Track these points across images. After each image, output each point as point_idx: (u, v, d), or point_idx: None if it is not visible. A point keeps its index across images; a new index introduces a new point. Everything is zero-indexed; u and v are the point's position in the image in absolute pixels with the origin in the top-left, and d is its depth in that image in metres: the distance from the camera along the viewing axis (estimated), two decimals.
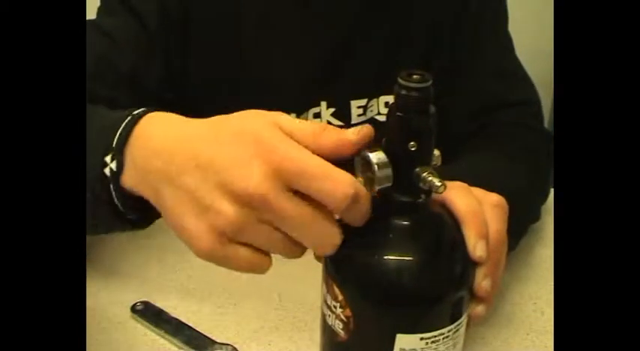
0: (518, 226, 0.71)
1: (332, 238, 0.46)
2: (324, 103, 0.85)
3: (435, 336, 0.48)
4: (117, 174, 0.50)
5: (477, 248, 0.50)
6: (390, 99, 0.85)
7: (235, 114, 0.48)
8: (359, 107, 0.86)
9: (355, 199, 0.44)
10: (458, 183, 0.54)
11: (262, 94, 0.83)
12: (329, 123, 0.85)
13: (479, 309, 0.54)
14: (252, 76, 0.83)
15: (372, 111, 0.86)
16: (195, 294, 0.70)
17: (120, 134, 0.50)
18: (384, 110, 0.86)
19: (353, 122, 0.86)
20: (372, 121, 0.86)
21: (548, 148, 0.85)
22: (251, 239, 0.46)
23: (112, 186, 0.51)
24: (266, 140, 0.44)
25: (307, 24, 0.83)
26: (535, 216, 0.77)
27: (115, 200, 0.51)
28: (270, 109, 0.83)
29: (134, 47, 0.77)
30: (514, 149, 0.81)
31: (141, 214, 0.53)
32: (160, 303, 0.69)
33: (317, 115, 0.85)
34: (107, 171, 0.50)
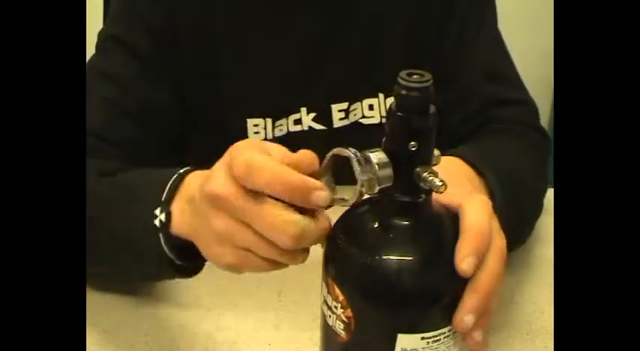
0: (524, 220, 0.72)
1: (287, 226, 0.49)
2: (304, 109, 0.85)
3: (436, 335, 0.48)
4: (166, 223, 0.56)
5: (464, 261, 0.47)
6: (374, 102, 0.85)
7: None
8: (340, 111, 0.85)
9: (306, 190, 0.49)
10: (483, 198, 0.52)
11: (241, 103, 0.83)
12: (311, 129, 0.85)
13: (475, 335, 0.50)
14: (229, 85, 0.83)
15: (355, 114, 0.86)
16: (195, 294, 0.70)
17: (169, 189, 0.57)
18: (369, 113, 0.86)
19: (335, 126, 0.85)
20: (356, 124, 0.86)
21: (545, 145, 0.85)
22: (241, 241, 0.51)
23: (161, 235, 0.56)
24: (233, 153, 0.51)
25: (280, 30, 0.82)
26: (539, 211, 0.77)
27: (165, 248, 0.57)
28: (248, 116, 0.83)
29: (136, 83, 0.79)
30: (514, 141, 0.81)
31: (189, 261, 0.59)
32: (160, 303, 0.69)
33: (298, 122, 0.85)
34: (157, 222, 0.56)
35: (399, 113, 0.46)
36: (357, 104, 0.86)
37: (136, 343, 0.64)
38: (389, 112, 0.47)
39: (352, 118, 0.86)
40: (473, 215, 0.50)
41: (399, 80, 0.45)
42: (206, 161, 0.87)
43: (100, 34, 0.82)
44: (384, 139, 0.47)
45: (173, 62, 0.81)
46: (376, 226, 0.49)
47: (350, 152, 0.48)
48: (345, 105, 0.85)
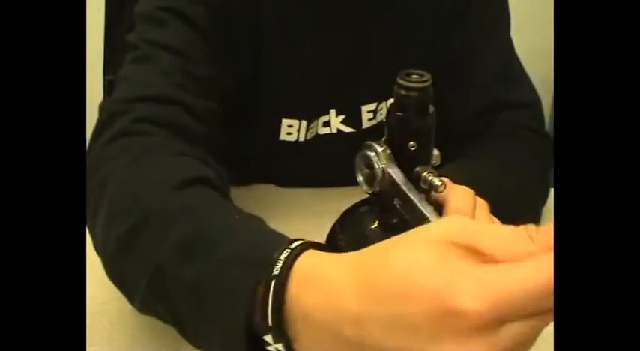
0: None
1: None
2: (333, 111, 0.84)
3: None
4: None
5: None
6: None
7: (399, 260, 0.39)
8: (369, 112, 0.85)
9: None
10: (465, 188, 0.52)
11: (276, 103, 0.81)
12: (339, 131, 0.84)
13: None
14: (269, 85, 0.80)
15: (381, 114, 0.85)
16: None
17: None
18: None
19: (364, 127, 0.85)
20: (381, 124, 0.85)
21: (549, 151, 0.85)
22: None
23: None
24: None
25: (324, 28, 0.80)
26: (537, 219, 0.77)
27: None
28: (281, 117, 0.80)
29: (199, 54, 0.72)
30: (518, 151, 0.81)
31: None
32: None
33: (327, 124, 0.84)
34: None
35: (398, 113, 0.46)
36: (383, 103, 0.85)
37: (136, 343, 0.64)
38: (388, 112, 0.47)
39: (378, 118, 0.85)
40: (454, 201, 0.50)
41: (398, 80, 0.45)
42: (228, 158, 0.71)
43: (140, 11, 0.74)
44: (383, 139, 0.47)
45: (229, 44, 0.75)
46: (376, 226, 0.49)
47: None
48: (374, 105, 0.85)
